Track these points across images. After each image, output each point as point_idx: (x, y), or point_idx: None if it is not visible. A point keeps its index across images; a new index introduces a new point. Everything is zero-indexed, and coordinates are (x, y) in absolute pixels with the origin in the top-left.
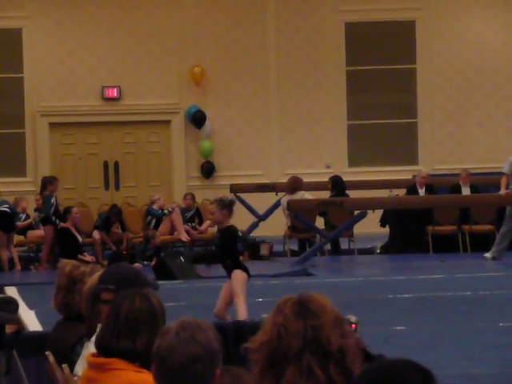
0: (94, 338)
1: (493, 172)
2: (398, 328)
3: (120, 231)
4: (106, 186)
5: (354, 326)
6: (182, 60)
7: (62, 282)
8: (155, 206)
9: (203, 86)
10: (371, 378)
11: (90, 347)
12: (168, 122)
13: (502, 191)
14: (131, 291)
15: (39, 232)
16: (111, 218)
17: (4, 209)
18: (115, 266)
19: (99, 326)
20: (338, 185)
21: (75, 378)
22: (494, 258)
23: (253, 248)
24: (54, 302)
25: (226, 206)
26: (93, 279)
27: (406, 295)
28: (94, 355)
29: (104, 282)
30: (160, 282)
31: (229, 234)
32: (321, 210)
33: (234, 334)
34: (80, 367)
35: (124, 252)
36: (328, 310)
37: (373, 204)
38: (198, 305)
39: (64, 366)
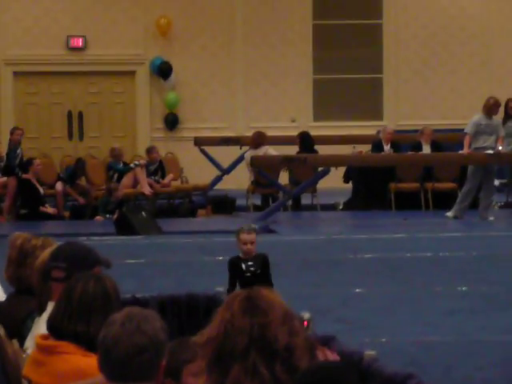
0: (44, 316)
1: (456, 128)
2: (357, 290)
3: (85, 184)
4: (70, 136)
5: (305, 323)
6: (147, 11)
7: (12, 255)
8: (114, 159)
9: (169, 38)
10: (310, 379)
11: (41, 324)
12: (133, 73)
13: (465, 151)
14: (85, 274)
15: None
16: (78, 171)
17: None
18: (67, 244)
19: (50, 304)
20: (306, 141)
21: (24, 356)
22: (455, 217)
23: (216, 202)
24: (5, 275)
25: None
26: (44, 255)
27: (367, 255)
28: (43, 337)
29: (55, 260)
30: (121, 238)
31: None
32: (285, 166)
33: (187, 306)
34: (30, 343)
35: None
36: (276, 307)
37: (336, 161)
38: (159, 262)
39: (14, 340)
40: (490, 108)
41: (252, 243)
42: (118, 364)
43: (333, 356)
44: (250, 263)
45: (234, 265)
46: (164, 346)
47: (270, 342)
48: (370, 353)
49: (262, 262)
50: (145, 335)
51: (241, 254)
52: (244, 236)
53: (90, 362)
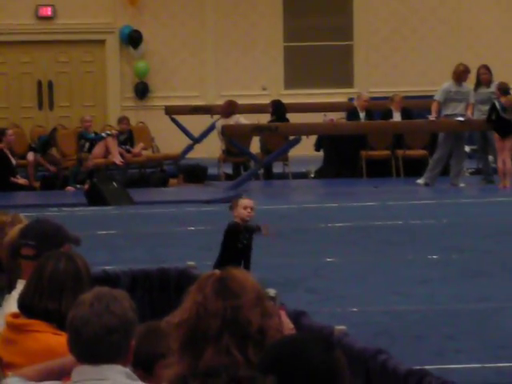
0: (14, 294)
1: (426, 95)
2: (329, 259)
3: (56, 154)
4: (40, 106)
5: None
6: None
7: None
8: (84, 128)
9: (138, 6)
10: (275, 354)
11: (11, 302)
12: (102, 42)
13: (433, 116)
14: (56, 252)
15: None
16: (51, 141)
17: None
18: (36, 221)
19: (20, 282)
20: (278, 109)
21: None
22: (426, 184)
23: (187, 171)
24: None
25: None
26: (13, 231)
27: (338, 224)
28: (13, 315)
29: (24, 237)
30: (92, 209)
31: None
32: (255, 135)
33: (159, 281)
34: (0, 321)
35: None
36: (249, 290)
37: (307, 130)
38: (130, 233)
39: None
40: (460, 75)
41: (252, 208)
42: (88, 345)
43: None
44: (246, 235)
45: (233, 232)
46: (133, 325)
47: (243, 324)
48: (340, 327)
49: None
50: (114, 315)
51: (238, 220)
52: (245, 201)
53: (61, 340)
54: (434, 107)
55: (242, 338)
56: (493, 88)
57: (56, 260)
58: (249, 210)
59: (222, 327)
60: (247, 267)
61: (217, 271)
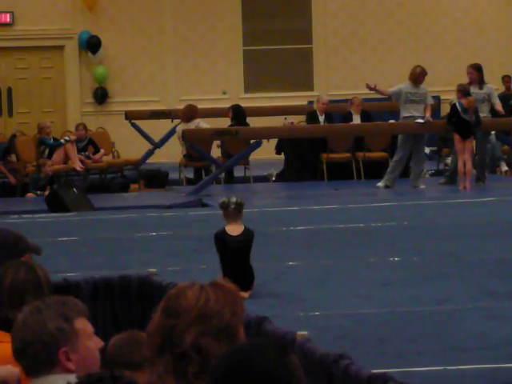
0: None
1: (385, 98)
2: (290, 264)
3: (16, 161)
4: None
5: None
6: None
7: None
8: (43, 134)
9: (96, 11)
10: (228, 362)
11: None
12: (61, 48)
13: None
14: (16, 261)
15: None
16: (10, 148)
17: None
18: None
19: None
20: (238, 113)
21: None
22: (386, 187)
23: (148, 177)
24: None
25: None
26: None
27: (299, 227)
28: None
29: None
30: (53, 215)
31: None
32: (216, 139)
33: (120, 288)
34: None
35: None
36: (191, 309)
37: (268, 133)
38: (91, 239)
39: None
40: (417, 77)
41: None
42: (16, 357)
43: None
44: (237, 238)
45: (219, 239)
46: (56, 335)
47: (177, 343)
48: (302, 333)
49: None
50: (28, 329)
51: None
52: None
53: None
54: (383, 90)
55: (178, 357)
56: (486, 89)
57: (15, 269)
58: None
59: (163, 345)
60: (245, 270)
61: (176, 287)
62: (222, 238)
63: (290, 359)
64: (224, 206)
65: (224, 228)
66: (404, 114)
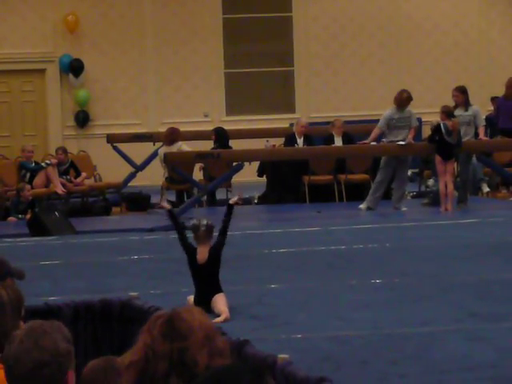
0: None
1: (367, 119)
2: (272, 286)
3: None
4: None
5: None
6: (56, 8)
7: None
8: (24, 158)
9: (78, 35)
10: None
11: None
12: (43, 71)
13: (369, 140)
14: None
15: None
16: None
17: None
18: None
19: None
20: (221, 136)
21: None
22: (369, 208)
23: (130, 200)
24: None
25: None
26: None
27: (281, 250)
28: None
29: None
30: (35, 239)
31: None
32: (198, 161)
33: (101, 312)
34: None
35: None
36: (196, 330)
37: (249, 156)
38: (73, 263)
39: None
40: (403, 102)
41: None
42: (21, 381)
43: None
44: (203, 266)
45: (190, 255)
46: (67, 357)
47: (190, 365)
48: (283, 356)
49: (209, 253)
50: (43, 350)
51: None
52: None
53: (1, 374)
54: (373, 133)
55: (189, 378)
56: (471, 111)
57: None
58: None
59: (170, 369)
60: (212, 288)
61: (165, 312)
62: (191, 258)
63: (267, 382)
64: (194, 229)
65: (196, 249)
66: (388, 138)
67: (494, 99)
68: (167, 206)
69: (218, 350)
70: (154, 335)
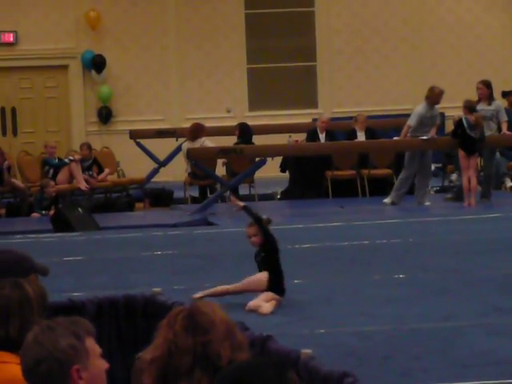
0: None
1: (390, 115)
2: (296, 281)
3: (19, 181)
4: (4, 133)
5: None
6: (77, 4)
7: None
8: (48, 154)
9: (100, 31)
10: (229, 381)
11: None
12: (65, 67)
13: (402, 137)
14: (3, 280)
15: None
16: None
17: None
18: (0, 252)
19: None
20: (245, 132)
21: None
22: (393, 203)
23: (153, 195)
24: None
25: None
26: None
27: (305, 245)
28: None
29: None
30: (58, 235)
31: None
32: (221, 157)
33: (125, 308)
34: None
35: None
36: (218, 324)
37: (272, 151)
38: (96, 258)
39: None
40: (437, 98)
41: (255, 235)
42: (27, 376)
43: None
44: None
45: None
46: (68, 352)
47: (214, 359)
48: (306, 351)
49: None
50: (41, 346)
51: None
52: (248, 230)
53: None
54: (404, 131)
55: (213, 372)
56: (494, 106)
57: (0, 288)
58: (252, 239)
59: (194, 363)
60: (276, 282)
61: (184, 307)
62: (275, 246)
63: (290, 377)
64: (268, 222)
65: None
66: (414, 133)
67: (505, 94)
68: (240, 203)
69: (239, 344)
70: (176, 330)
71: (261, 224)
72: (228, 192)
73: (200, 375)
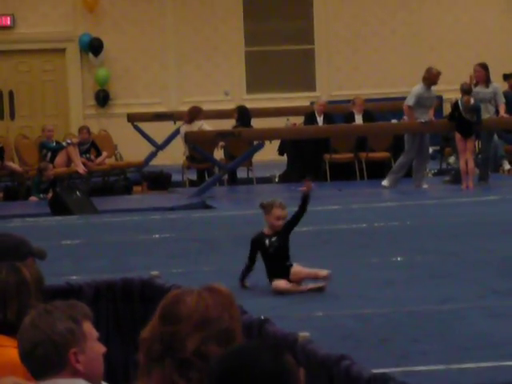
0: None
1: (388, 97)
2: (293, 264)
3: (17, 165)
4: (1, 116)
5: None
6: None
7: None
8: (46, 138)
9: (97, 14)
10: (224, 365)
11: None
12: (63, 51)
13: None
14: (0, 264)
15: None
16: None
17: None
18: None
19: None
20: (243, 115)
21: None
22: (390, 186)
23: (151, 179)
24: None
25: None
26: None
27: (303, 228)
28: None
29: None
30: (56, 218)
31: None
32: (220, 140)
33: (122, 292)
34: None
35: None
36: (192, 315)
37: (270, 134)
38: (94, 242)
39: None
40: (434, 78)
41: (284, 218)
42: (23, 359)
43: None
44: (273, 239)
45: (257, 243)
46: (66, 336)
47: (179, 349)
48: (303, 334)
49: (284, 235)
50: (38, 329)
51: (266, 230)
52: (278, 211)
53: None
54: (408, 113)
55: (180, 362)
56: (492, 88)
57: None
58: (280, 222)
59: (162, 352)
60: (284, 269)
61: (176, 292)
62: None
63: (286, 360)
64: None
65: None
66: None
67: (506, 76)
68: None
69: (214, 337)
70: (156, 316)
71: (303, 215)
72: (226, 175)
73: (170, 364)
